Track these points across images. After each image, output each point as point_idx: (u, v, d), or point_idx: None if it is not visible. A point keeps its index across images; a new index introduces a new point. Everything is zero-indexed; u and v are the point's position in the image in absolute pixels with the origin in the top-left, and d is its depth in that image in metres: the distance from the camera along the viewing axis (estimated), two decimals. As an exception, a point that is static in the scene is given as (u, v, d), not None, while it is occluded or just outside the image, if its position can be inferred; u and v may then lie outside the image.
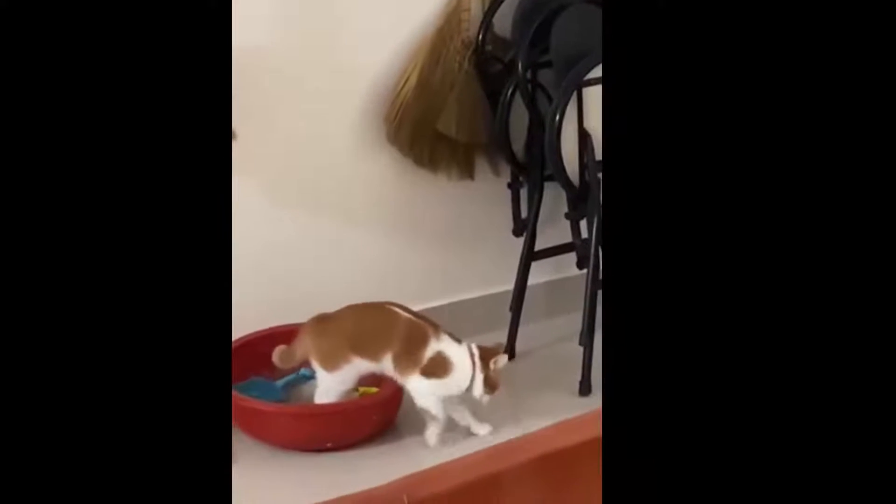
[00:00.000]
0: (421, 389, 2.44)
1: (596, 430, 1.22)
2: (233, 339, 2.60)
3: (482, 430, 2.47)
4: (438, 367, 2.42)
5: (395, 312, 2.46)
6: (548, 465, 1.21)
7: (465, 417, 2.49)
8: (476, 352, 2.43)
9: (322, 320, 2.49)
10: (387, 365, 2.44)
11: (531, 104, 2.73)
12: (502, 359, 2.44)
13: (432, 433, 2.46)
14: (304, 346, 2.49)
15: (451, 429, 2.48)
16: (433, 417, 2.45)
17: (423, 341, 2.42)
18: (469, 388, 2.43)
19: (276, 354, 2.52)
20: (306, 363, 2.52)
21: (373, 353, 2.44)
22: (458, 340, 2.45)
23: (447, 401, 2.45)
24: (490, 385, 2.43)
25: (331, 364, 2.45)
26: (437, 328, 2.45)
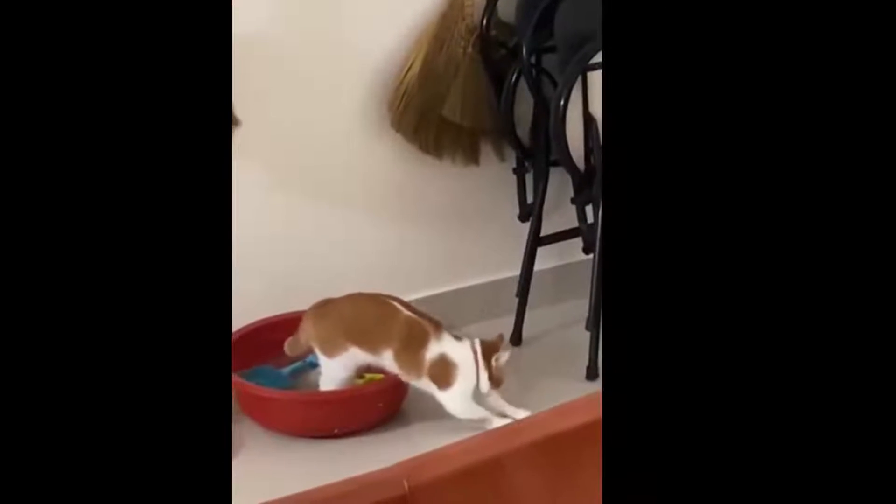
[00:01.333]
0: (456, 405, 2.43)
1: (597, 412, 1.22)
2: (238, 327, 2.62)
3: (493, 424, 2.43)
4: (444, 371, 2.41)
5: (395, 308, 2.45)
6: (549, 447, 1.20)
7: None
8: (478, 349, 2.42)
9: (322, 305, 2.50)
10: (387, 361, 2.44)
11: (536, 89, 2.72)
12: (504, 355, 2.43)
13: (494, 424, 2.41)
14: (305, 332, 2.49)
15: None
16: (481, 419, 2.43)
17: (423, 341, 2.41)
18: (475, 385, 2.43)
19: (287, 344, 2.54)
20: (311, 349, 2.52)
21: (370, 345, 2.44)
22: (459, 337, 2.44)
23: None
24: (494, 381, 2.42)
25: (329, 349, 2.46)
26: (437, 327, 2.44)
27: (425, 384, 2.44)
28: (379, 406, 2.51)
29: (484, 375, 2.41)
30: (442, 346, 2.41)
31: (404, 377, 2.45)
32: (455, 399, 2.42)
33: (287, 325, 2.58)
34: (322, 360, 2.48)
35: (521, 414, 2.44)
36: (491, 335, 2.51)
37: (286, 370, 2.63)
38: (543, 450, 1.20)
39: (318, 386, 2.53)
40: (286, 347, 2.54)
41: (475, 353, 2.41)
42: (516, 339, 2.85)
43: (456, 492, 1.16)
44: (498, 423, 2.41)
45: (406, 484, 1.13)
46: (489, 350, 2.42)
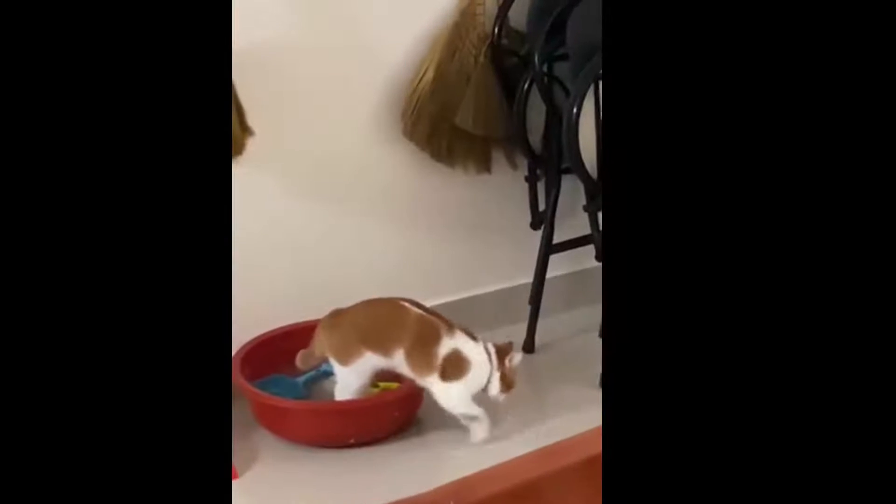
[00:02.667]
0: (450, 398, 2.43)
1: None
2: (252, 336, 2.61)
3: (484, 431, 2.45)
4: (456, 366, 2.41)
5: (406, 308, 2.45)
6: (593, 468, 1.20)
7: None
8: (492, 350, 2.42)
9: (335, 315, 2.49)
10: (399, 361, 2.43)
11: (548, 97, 2.72)
12: (517, 356, 2.43)
13: (477, 430, 2.44)
14: (319, 342, 2.49)
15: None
16: (473, 417, 2.44)
17: (435, 339, 2.41)
18: (486, 388, 2.42)
19: (299, 357, 2.53)
20: (326, 359, 2.52)
21: (384, 348, 2.43)
22: (474, 337, 2.44)
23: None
24: (506, 383, 2.42)
25: (344, 357, 2.45)
26: (450, 325, 2.43)
27: (428, 381, 2.43)
28: (395, 415, 2.51)
29: (496, 377, 2.41)
30: (455, 342, 2.41)
31: (415, 376, 2.43)
32: (454, 393, 2.42)
33: (301, 333, 2.58)
34: (337, 369, 2.47)
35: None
36: (504, 342, 2.51)
37: (301, 379, 2.63)
38: (588, 470, 1.20)
39: (333, 395, 2.52)
40: (298, 361, 2.53)
41: (489, 354, 2.41)
42: (529, 346, 2.85)
43: (503, 512, 1.16)
44: (487, 424, 2.43)
45: (453, 504, 1.13)
46: (502, 352, 2.42)
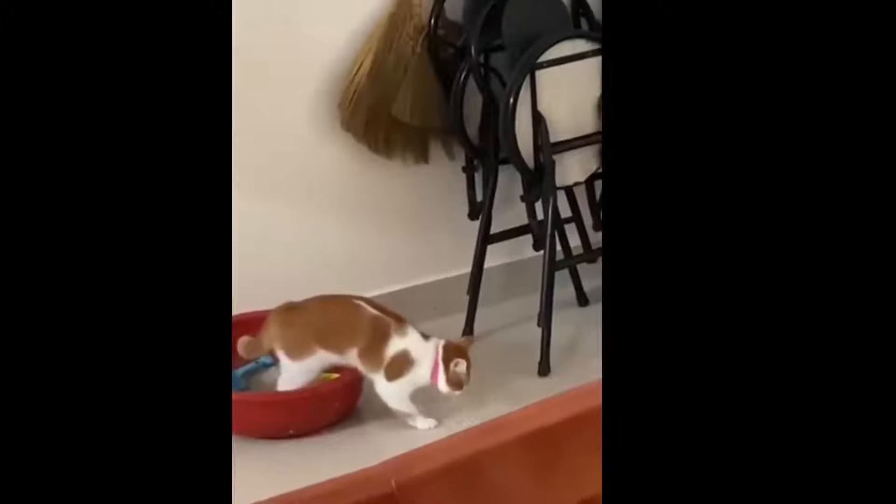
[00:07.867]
0: (389, 394, 2.47)
1: (578, 407, 1.24)
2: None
3: (425, 424, 2.48)
4: (399, 366, 2.44)
5: (362, 307, 2.47)
6: (532, 443, 1.22)
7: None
8: (441, 351, 2.44)
9: (288, 309, 2.49)
10: (352, 359, 2.46)
11: (485, 88, 2.74)
12: (462, 363, 2.45)
13: (417, 422, 2.48)
14: (269, 335, 2.48)
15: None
16: (406, 414, 2.48)
17: (385, 339, 2.44)
18: (435, 384, 2.45)
19: (241, 345, 2.52)
20: (272, 352, 2.51)
21: (338, 347, 2.45)
22: (427, 337, 2.46)
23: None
24: (454, 382, 2.45)
25: (296, 353, 2.46)
26: (401, 323, 2.46)
27: (375, 376, 2.47)
28: (335, 405, 2.51)
29: (443, 378, 2.44)
30: (405, 341, 2.44)
31: (365, 371, 2.47)
32: (391, 390, 2.46)
33: (239, 326, 2.54)
34: (284, 362, 2.47)
35: (427, 424, 2.47)
36: (442, 333, 2.53)
37: (239, 371, 2.61)
38: (526, 445, 1.21)
39: (272, 387, 2.52)
40: (241, 348, 2.51)
41: (437, 354, 2.44)
42: (468, 335, 2.86)
43: (442, 488, 1.17)
44: (422, 422, 2.47)
45: (393, 481, 1.14)
46: (450, 354, 2.45)
